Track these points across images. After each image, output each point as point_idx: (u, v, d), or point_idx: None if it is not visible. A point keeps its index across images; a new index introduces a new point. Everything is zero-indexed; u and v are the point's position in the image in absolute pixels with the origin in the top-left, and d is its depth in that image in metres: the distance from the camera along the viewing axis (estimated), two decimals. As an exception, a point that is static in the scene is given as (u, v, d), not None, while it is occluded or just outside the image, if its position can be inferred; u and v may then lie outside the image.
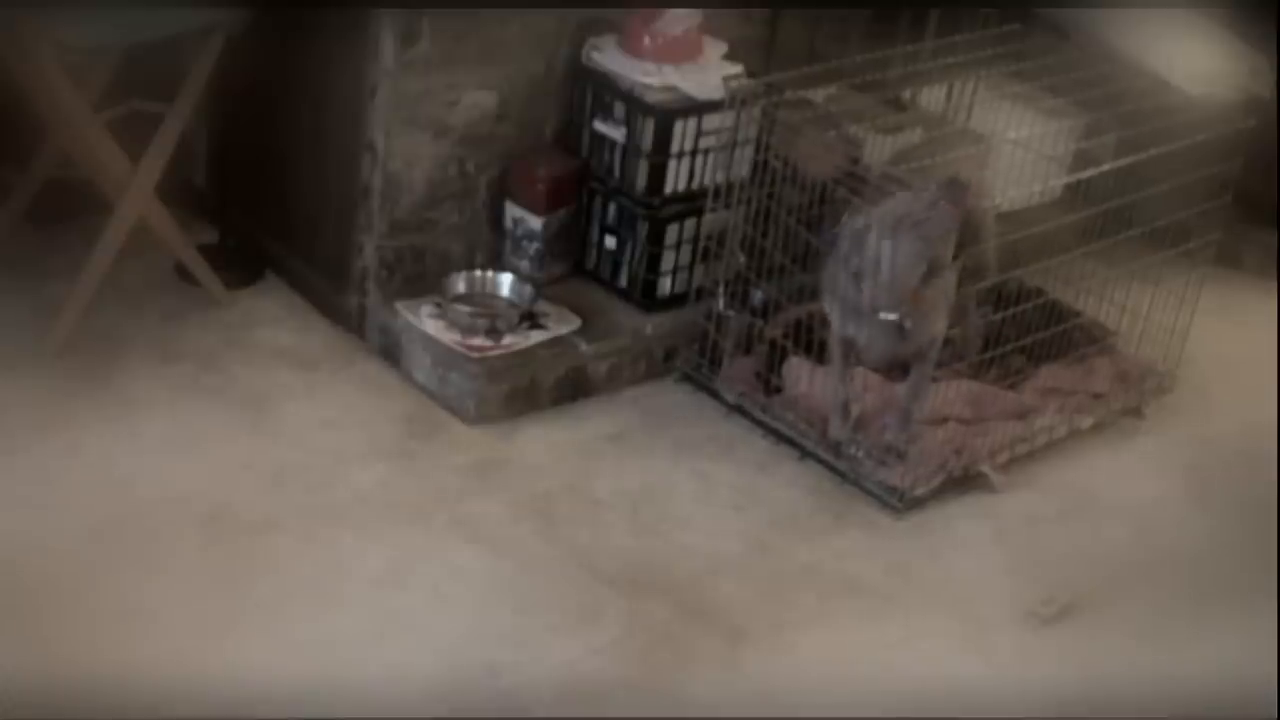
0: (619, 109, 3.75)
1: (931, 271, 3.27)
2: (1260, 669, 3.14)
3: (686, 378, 3.83)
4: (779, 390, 3.68)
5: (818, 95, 3.92)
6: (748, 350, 3.77)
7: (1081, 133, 4.03)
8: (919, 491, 3.49)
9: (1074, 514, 3.59)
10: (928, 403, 3.53)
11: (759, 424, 3.69)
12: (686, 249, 3.85)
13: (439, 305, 3.72)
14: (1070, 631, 3.23)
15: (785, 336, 3.71)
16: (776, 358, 3.71)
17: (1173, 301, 3.91)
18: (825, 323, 3.60)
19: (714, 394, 3.77)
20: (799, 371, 3.66)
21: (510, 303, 3.79)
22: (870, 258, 3.26)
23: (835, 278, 3.42)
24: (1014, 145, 3.70)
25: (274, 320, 3.83)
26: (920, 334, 3.36)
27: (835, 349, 3.50)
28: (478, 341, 3.64)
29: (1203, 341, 4.01)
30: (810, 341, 3.69)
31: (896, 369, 3.54)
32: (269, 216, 3.99)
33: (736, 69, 3.82)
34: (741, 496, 3.50)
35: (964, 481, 3.58)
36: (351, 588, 3.07)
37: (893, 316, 3.28)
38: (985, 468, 3.58)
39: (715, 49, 3.86)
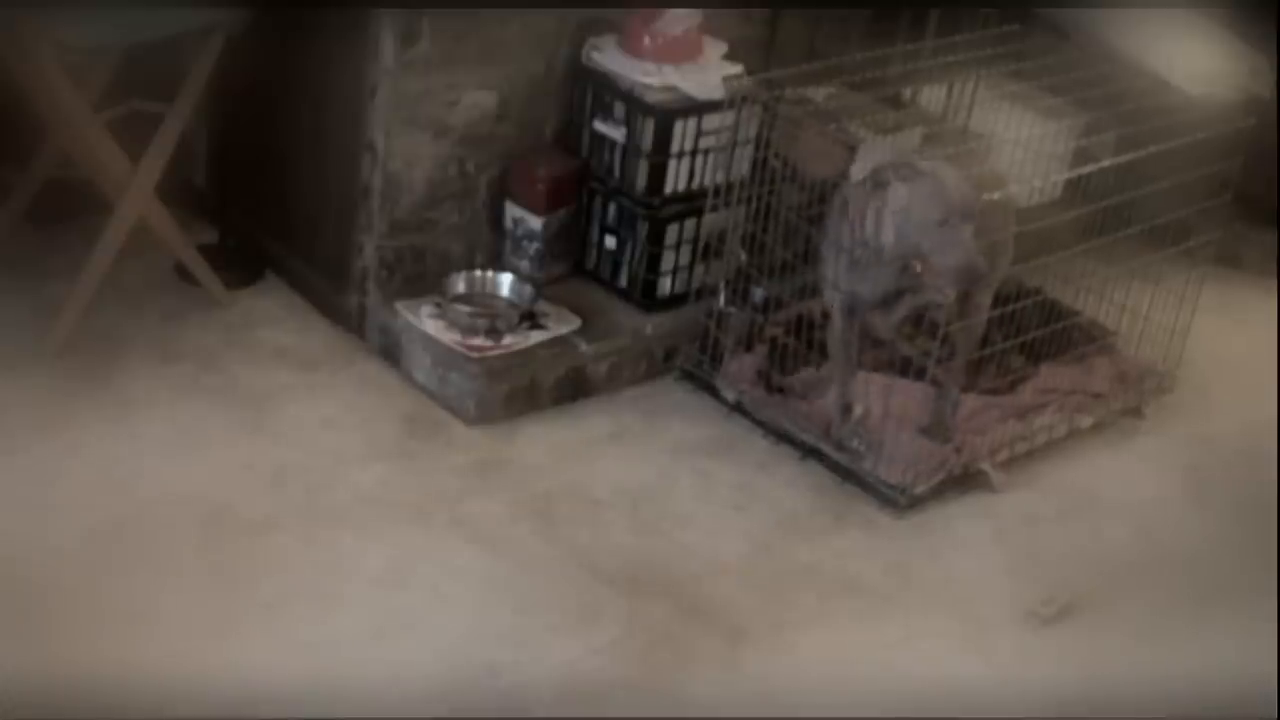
0: (619, 109, 3.75)
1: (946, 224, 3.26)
2: (1260, 669, 3.14)
3: (687, 375, 3.83)
4: (780, 390, 3.68)
5: (818, 94, 3.92)
6: (749, 348, 3.77)
7: (1081, 132, 4.03)
8: (919, 489, 3.49)
9: (1074, 514, 3.59)
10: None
11: (759, 424, 3.69)
12: (686, 249, 3.85)
13: (439, 305, 3.72)
14: (1070, 631, 3.23)
15: (786, 333, 3.71)
16: (777, 355, 3.71)
17: (1172, 301, 3.91)
18: (827, 320, 3.61)
19: (714, 393, 3.77)
20: (867, 386, 3.62)
21: (510, 303, 3.79)
22: (889, 197, 3.27)
23: (838, 238, 3.42)
24: (1014, 144, 3.70)
25: (274, 320, 3.83)
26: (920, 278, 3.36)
27: (838, 347, 3.50)
28: (478, 341, 3.64)
29: (1203, 341, 4.01)
30: (811, 339, 3.69)
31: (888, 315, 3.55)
32: (269, 216, 3.99)
33: (736, 69, 3.82)
34: (741, 496, 3.50)
35: (964, 481, 3.58)
36: (352, 588, 3.07)
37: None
38: (985, 465, 3.58)
39: (715, 49, 3.86)
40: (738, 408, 3.72)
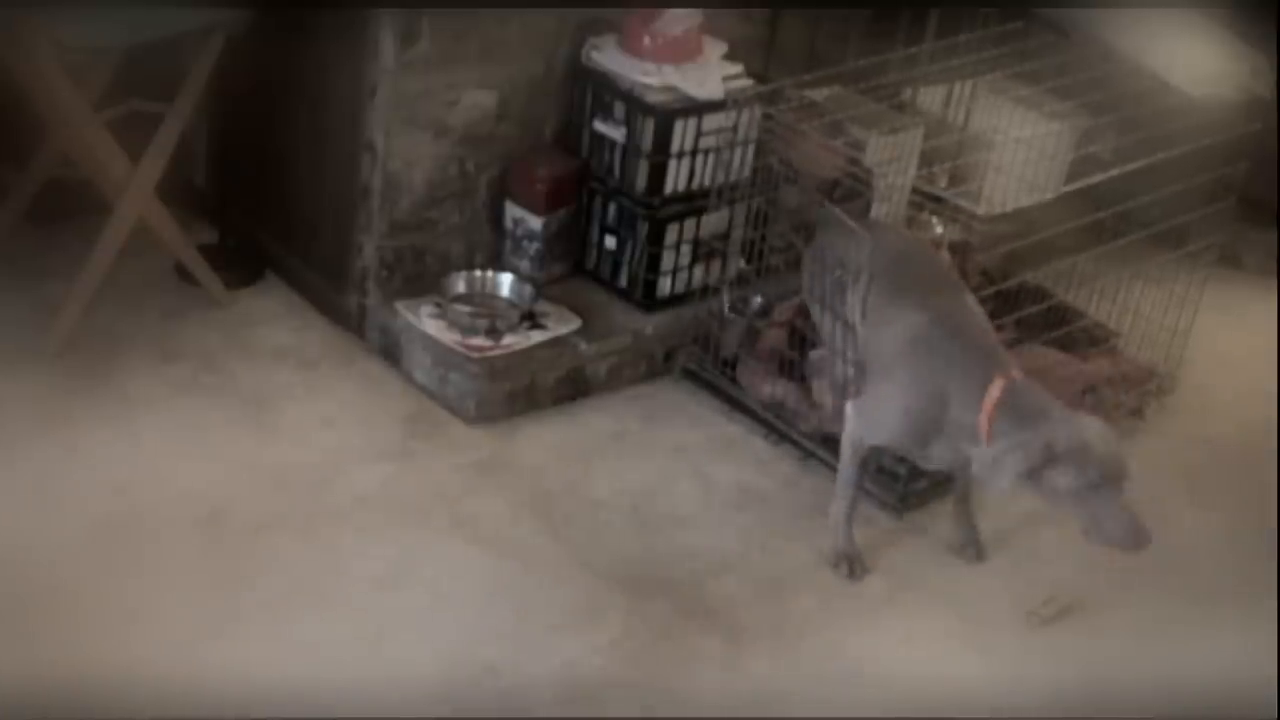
0: (619, 109, 3.75)
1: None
2: (1260, 669, 3.14)
3: (689, 374, 3.83)
4: (802, 377, 3.65)
5: (818, 95, 3.92)
6: (752, 349, 3.76)
7: (1082, 135, 4.03)
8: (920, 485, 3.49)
9: (1074, 514, 3.59)
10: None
11: (760, 424, 3.69)
12: (686, 249, 3.85)
13: (439, 305, 3.72)
14: (1070, 631, 3.23)
15: (797, 316, 3.70)
16: (797, 340, 3.69)
17: (1174, 302, 3.91)
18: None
19: (715, 391, 3.77)
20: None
21: (510, 303, 3.79)
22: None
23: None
24: (1015, 145, 3.69)
25: (274, 320, 3.83)
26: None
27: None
28: (478, 341, 3.64)
29: (1203, 341, 4.01)
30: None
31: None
32: (269, 216, 3.99)
33: (736, 69, 3.83)
34: (741, 496, 3.50)
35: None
36: (351, 588, 3.07)
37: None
38: None
39: (715, 49, 3.86)
40: (740, 406, 3.71)
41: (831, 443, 3.55)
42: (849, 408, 3.27)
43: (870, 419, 3.21)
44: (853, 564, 3.28)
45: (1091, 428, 2.96)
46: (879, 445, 3.24)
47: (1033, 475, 2.91)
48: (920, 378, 3.10)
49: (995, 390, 2.98)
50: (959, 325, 3.15)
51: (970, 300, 3.26)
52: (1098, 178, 3.67)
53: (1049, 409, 2.98)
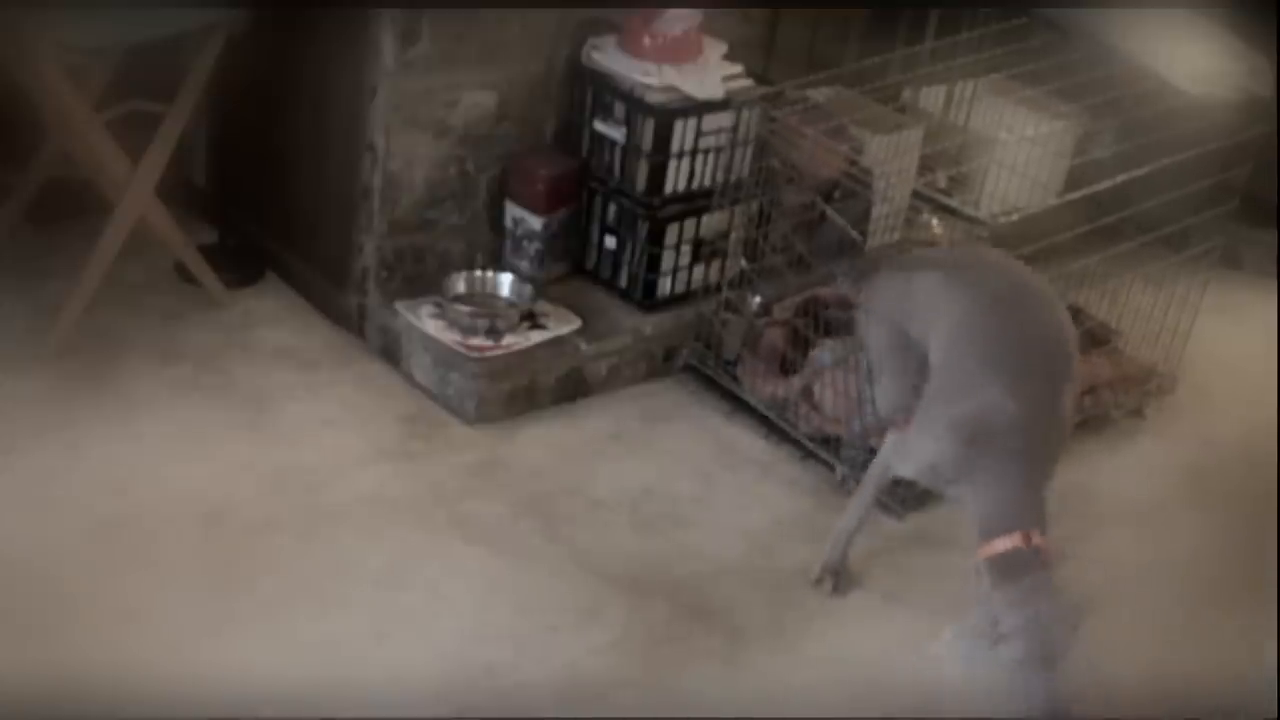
0: (619, 109, 3.75)
1: None
2: (1260, 669, 3.14)
3: (691, 369, 3.83)
4: (795, 372, 3.66)
5: (818, 95, 3.92)
6: (754, 351, 3.77)
7: (1082, 137, 4.02)
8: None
9: (1074, 514, 3.58)
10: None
11: (760, 424, 3.69)
12: (686, 249, 3.85)
13: (439, 305, 3.72)
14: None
15: (798, 315, 3.71)
16: (799, 341, 3.70)
17: (1175, 303, 3.91)
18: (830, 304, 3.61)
19: (717, 388, 3.77)
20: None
21: (510, 303, 3.79)
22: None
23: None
24: (1016, 145, 3.70)
25: (274, 320, 3.83)
26: None
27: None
28: (478, 341, 3.64)
29: (1203, 341, 4.01)
30: (818, 321, 3.68)
31: None
32: (269, 216, 3.99)
33: (736, 69, 3.83)
34: (742, 496, 3.50)
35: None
36: (352, 588, 3.07)
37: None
38: None
39: (715, 49, 3.86)
40: (743, 404, 3.72)
41: (831, 444, 3.57)
42: (889, 437, 3.16)
43: (904, 457, 3.09)
44: (837, 580, 3.24)
45: (1053, 616, 2.74)
46: (907, 477, 3.14)
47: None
48: (966, 459, 2.90)
49: (1004, 544, 2.81)
50: (1037, 437, 2.89)
51: (1067, 402, 2.95)
52: (1104, 184, 3.66)
53: (1036, 596, 2.77)
